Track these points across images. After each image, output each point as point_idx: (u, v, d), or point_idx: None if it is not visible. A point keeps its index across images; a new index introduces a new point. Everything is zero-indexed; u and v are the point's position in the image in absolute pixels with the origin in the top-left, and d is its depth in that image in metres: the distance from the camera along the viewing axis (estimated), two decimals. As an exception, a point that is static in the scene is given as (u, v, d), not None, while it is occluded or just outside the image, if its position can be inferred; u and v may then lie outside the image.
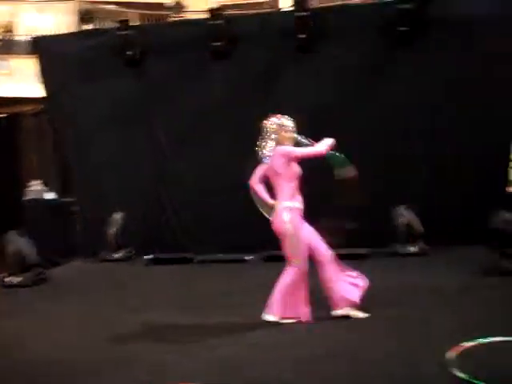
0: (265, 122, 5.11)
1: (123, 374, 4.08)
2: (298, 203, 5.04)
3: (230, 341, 4.67)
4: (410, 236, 8.18)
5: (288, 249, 5.03)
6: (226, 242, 8.65)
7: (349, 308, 5.06)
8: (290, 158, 4.99)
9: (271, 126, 5.05)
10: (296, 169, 5.06)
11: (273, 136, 5.04)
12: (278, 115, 5.11)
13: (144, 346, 4.64)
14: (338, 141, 8.04)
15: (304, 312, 5.04)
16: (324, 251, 5.08)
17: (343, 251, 8.00)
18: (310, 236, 5.09)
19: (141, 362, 4.28)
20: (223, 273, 7.90)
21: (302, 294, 5.06)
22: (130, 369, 4.17)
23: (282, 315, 5.03)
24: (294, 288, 5.04)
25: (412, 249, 8.16)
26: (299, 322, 5.01)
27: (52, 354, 4.61)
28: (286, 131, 5.04)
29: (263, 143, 5.07)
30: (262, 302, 5.72)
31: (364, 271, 7.23)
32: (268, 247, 8.42)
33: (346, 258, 7.82)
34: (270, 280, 6.91)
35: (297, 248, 4.99)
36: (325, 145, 5.02)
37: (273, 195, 5.19)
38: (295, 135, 5.07)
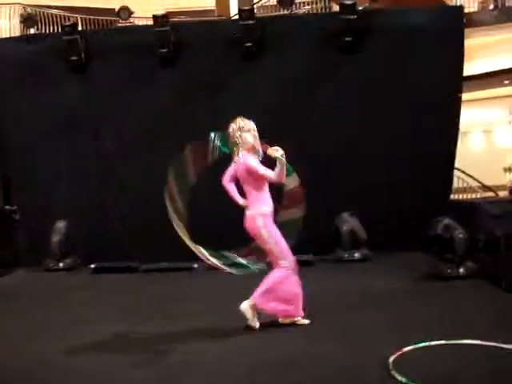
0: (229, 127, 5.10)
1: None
2: (268, 207, 5.04)
3: (176, 349, 4.66)
4: (354, 242, 8.33)
5: (270, 253, 5.04)
6: (172, 249, 8.58)
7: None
8: (253, 174, 4.99)
9: (232, 131, 5.07)
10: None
11: (236, 139, 5.04)
12: (238, 118, 5.11)
13: (86, 357, 4.57)
14: (282, 148, 8.03)
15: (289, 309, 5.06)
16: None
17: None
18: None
19: (85, 372, 4.22)
20: (169, 281, 7.85)
21: (293, 292, 5.04)
22: (75, 379, 4.11)
23: (262, 306, 5.02)
24: (281, 285, 5.01)
25: (356, 255, 8.31)
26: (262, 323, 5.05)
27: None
28: (245, 131, 5.04)
29: (233, 147, 5.08)
30: (207, 309, 5.73)
31: (309, 277, 7.34)
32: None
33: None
34: (215, 287, 6.93)
35: (278, 250, 5.01)
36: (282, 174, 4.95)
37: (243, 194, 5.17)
38: (256, 134, 5.06)
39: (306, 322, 5.14)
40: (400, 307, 5.68)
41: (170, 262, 8.52)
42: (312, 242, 8.27)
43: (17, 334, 5.36)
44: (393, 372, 3.74)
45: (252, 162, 4.98)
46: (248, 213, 5.06)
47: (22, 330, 5.51)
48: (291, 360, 4.25)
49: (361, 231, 8.34)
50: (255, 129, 5.11)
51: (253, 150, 5.07)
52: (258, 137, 5.10)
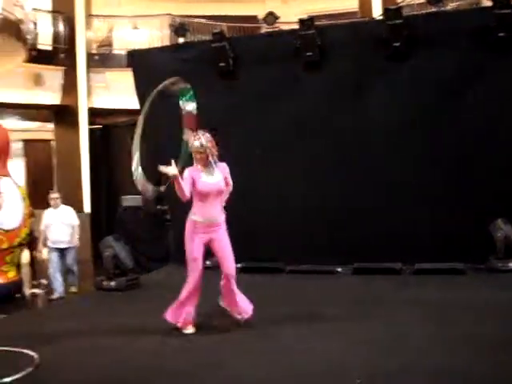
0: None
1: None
2: (198, 217, 5.38)
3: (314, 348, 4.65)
4: (509, 251, 7.84)
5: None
6: (316, 251, 8.65)
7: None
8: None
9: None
10: (201, 189, 5.33)
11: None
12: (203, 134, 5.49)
13: (234, 354, 4.72)
14: (428, 151, 7.83)
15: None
16: (230, 265, 5.51)
17: (438, 265, 7.88)
18: (221, 248, 5.51)
19: (224, 370, 4.36)
20: (315, 283, 7.89)
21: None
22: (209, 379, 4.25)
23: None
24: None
25: (511, 265, 7.81)
26: None
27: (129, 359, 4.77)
28: (194, 151, 5.43)
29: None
30: (358, 314, 5.67)
31: (459, 287, 7.06)
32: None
33: (442, 273, 7.70)
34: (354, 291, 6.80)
35: (188, 256, 5.42)
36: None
37: None
38: (198, 156, 5.41)
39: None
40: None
41: (313, 264, 8.58)
42: (464, 249, 7.93)
43: (157, 329, 5.58)
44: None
45: (185, 174, 5.31)
46: None
47: (162, 324, 5.69)
48: (409, 369, 4.10)
49: (516, 239, 7.83)
50: (202, 148, 5.41)
51: (200, 162, 5.43)
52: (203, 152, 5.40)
